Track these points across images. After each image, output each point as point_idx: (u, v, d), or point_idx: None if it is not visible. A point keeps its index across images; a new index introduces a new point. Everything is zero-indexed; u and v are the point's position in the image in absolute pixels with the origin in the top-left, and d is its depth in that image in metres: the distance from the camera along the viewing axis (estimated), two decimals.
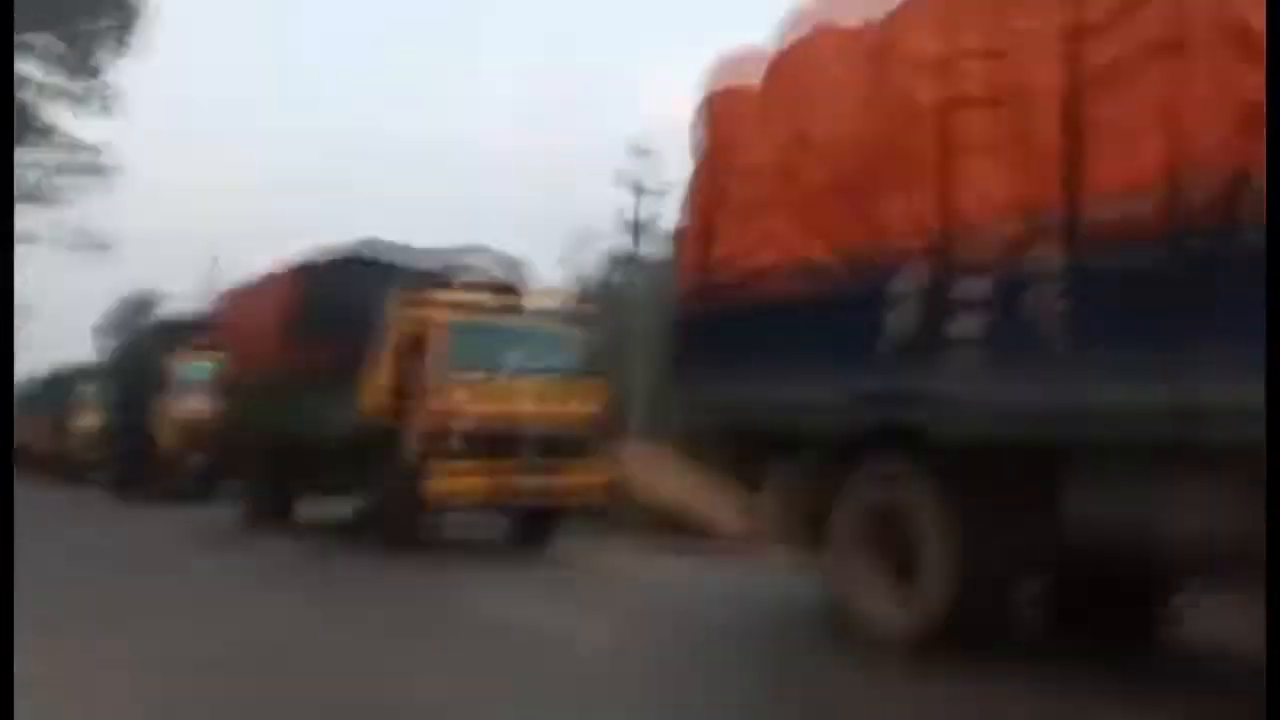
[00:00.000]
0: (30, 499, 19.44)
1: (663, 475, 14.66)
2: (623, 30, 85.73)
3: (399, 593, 9.53)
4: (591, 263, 31.62)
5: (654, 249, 27.49)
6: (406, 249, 13.93)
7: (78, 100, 27.54)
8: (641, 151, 25.19)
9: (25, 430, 32.73)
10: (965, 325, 6.12)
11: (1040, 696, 5.69)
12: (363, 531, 12.96)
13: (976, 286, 6.07)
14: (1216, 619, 6.88)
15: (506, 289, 13.41)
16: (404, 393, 11.99)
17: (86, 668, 5.91)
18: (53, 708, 4.96)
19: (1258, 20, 4.66)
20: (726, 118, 8.22)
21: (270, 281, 15.58)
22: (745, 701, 5.73)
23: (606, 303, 23.21)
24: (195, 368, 19.17)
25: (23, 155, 27.82)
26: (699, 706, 5.62)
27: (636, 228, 25.33)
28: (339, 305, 13.35)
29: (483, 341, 12.10)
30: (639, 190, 25.28)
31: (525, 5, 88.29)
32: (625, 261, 27.59)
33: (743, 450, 8.38)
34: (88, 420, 25.04)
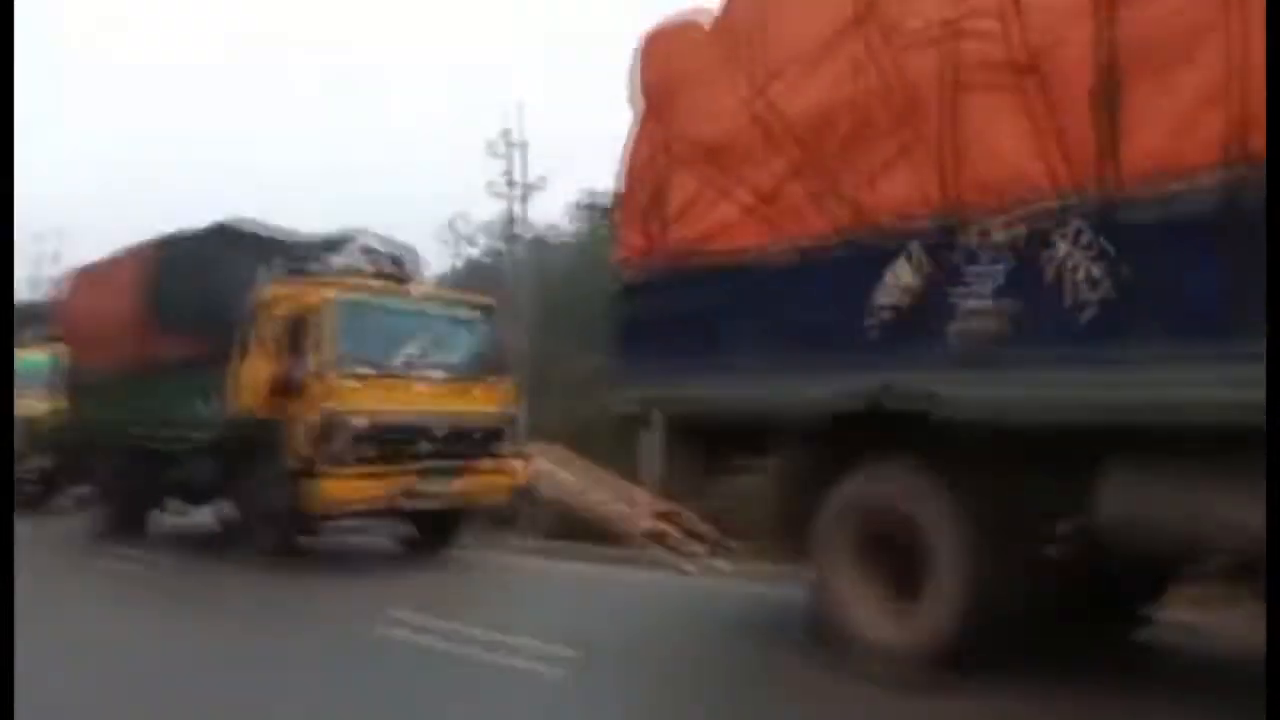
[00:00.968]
0: None
1: (567, 474, 13.77)
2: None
3: (278, 614, 8.28)
4: (472, 246, 30.44)
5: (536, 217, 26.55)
6: (278, 229, 12.51)
7: None
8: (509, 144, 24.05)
9: None
10: (976, 306, 5.40)
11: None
12: (232, 542, 11.53)
13: (989, 267, 5.37)
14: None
15: (393, 278, 11.78)
16: (282, 386, 10.59)
17: None
18: None
19: None
20: (674, 64, 7.24)
21: (122, 261, 13.83)
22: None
23: (492, 285, 22.08)
24: (34, 360, 17.15)
25: None
26: None
27: (520, 195, 24.12)
28: (202, 287, 11.77)
29: (377, 328, 10.79)
30: (510, 149, 24.07)
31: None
32: (508, 233, 26.36)
33: (706, 444, 7.47)
34: None
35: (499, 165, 24.28)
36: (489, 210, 28.31)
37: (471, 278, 27.36)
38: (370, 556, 11.83)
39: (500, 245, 27.90)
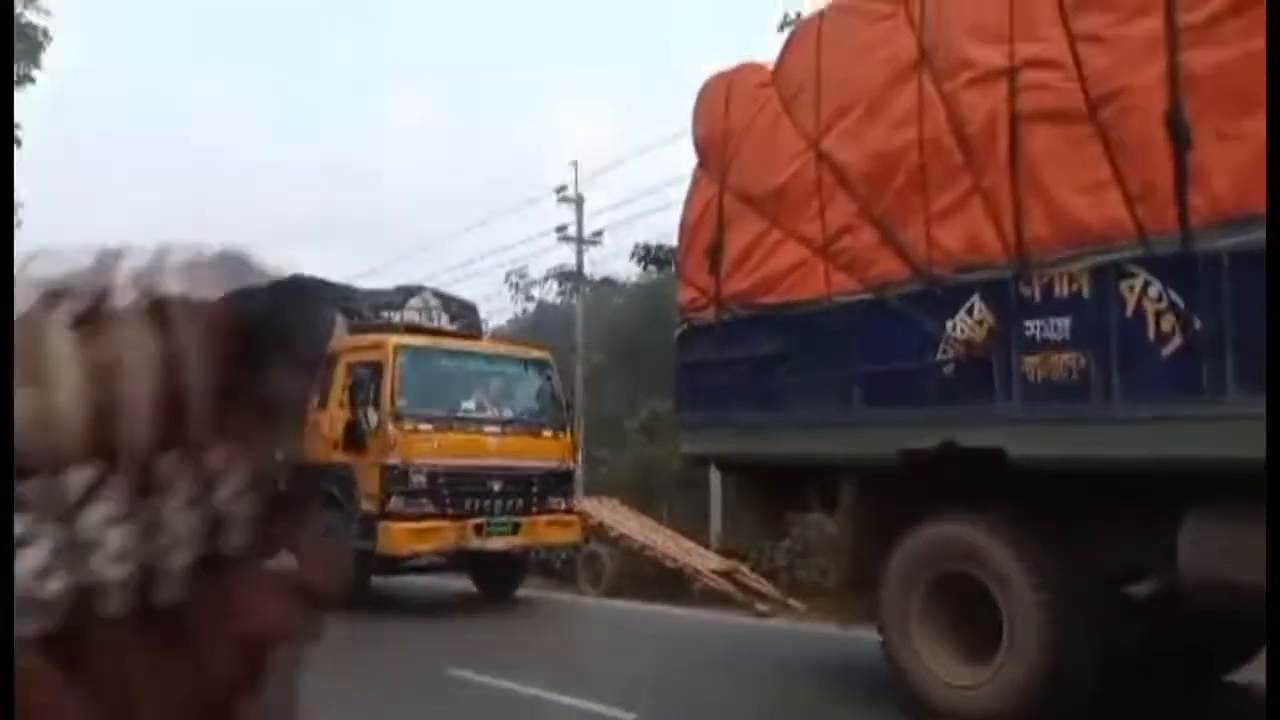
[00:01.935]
0: None
1: (627, 524, 13.69)
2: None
3: (345, 658, 8.31)
4: (530, 300, 30.69)
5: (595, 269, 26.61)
6: (341, 287, 12.76)
7: None
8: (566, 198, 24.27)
9: None
10: (1041, 355, 5.28)
11: None
12: None
13: (1054, 316, 5.28)
14: None
15: (457, 333, 12.04)
16: (350, 435, 10.73)
17: None
18: None
19: None
20: (731, 114, 7.30)
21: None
22: None
23: (557, 333, 22.20)
24: None
25: None
26: None
27: (579, 247, 24.27)
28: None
29: (440, 379, 11.01)
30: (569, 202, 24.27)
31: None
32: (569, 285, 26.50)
33: (771, 492, 7.43)
34: None
35: (562, 214, 24.56)
36: (555, 258, 28.63)
37: (539, 324, 27.58)
38: (435, 603, 11.88)
39: (564, 292, 28.12)
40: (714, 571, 12.18)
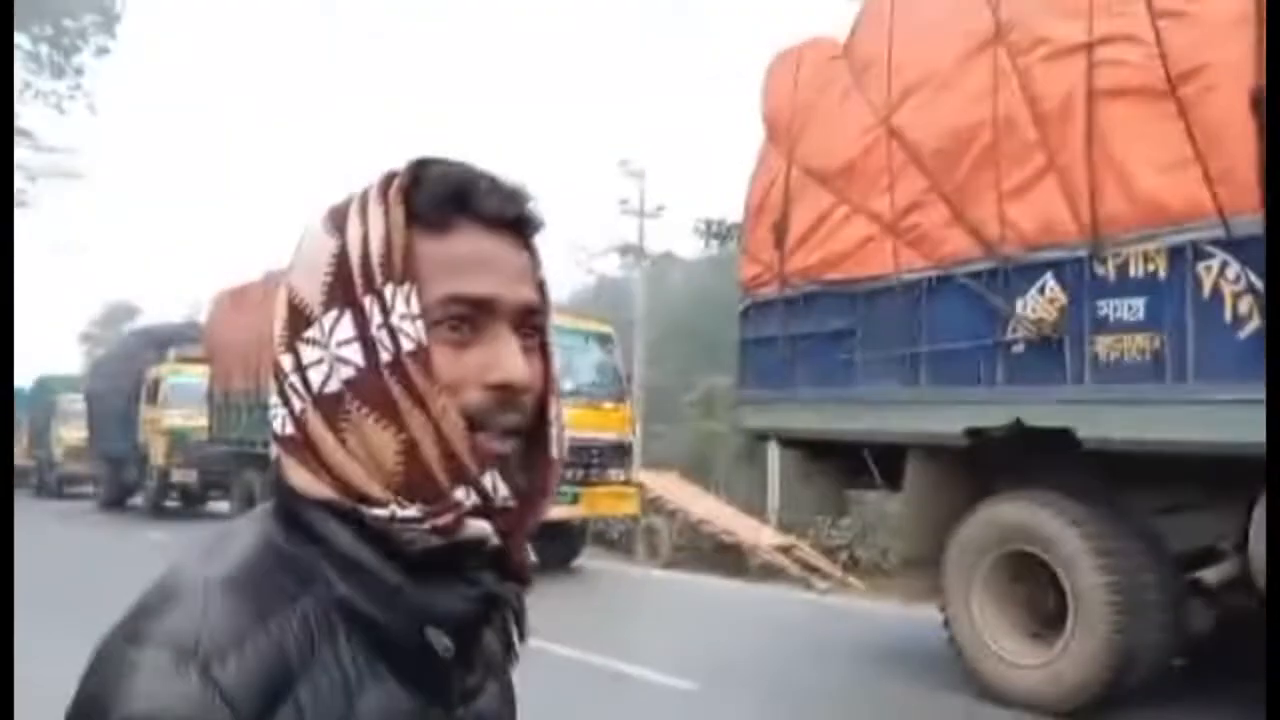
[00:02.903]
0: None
1: (685, 497, 13.77)
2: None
3: None
4: (590, 272, 30.76)
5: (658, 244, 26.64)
6: None
7: (61, 102, 26.54)
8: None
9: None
10: (1114, 337, 5.22)
11: None
12: None
13: (1128, 297, 5.22)
14: None
15: None
16: None
17: None
18: None
19: None
20: (800, 89, 7.26)
21: (265, 285, 14.53)
22: None
23: (620, 306, 22.28)
24: (184, 378, 18.13)
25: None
26: None
27: (640, 220, 24.23)
28: None
29: None
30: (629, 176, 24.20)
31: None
32: (633, 254, 26.52)
33: (833, 470, 7.44)
34: (71, 432, 23.96)
35: (626, 187, 24.55)
36: (617, 233, 28.68)
37: (600, 296, 27.68)
38: None
39: (625, 266, 28.13)
40: (772, 547, 12.22)
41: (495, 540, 0.75)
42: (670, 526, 13.26)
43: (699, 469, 17.38)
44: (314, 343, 0.74)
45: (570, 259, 29.91)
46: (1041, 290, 5.63)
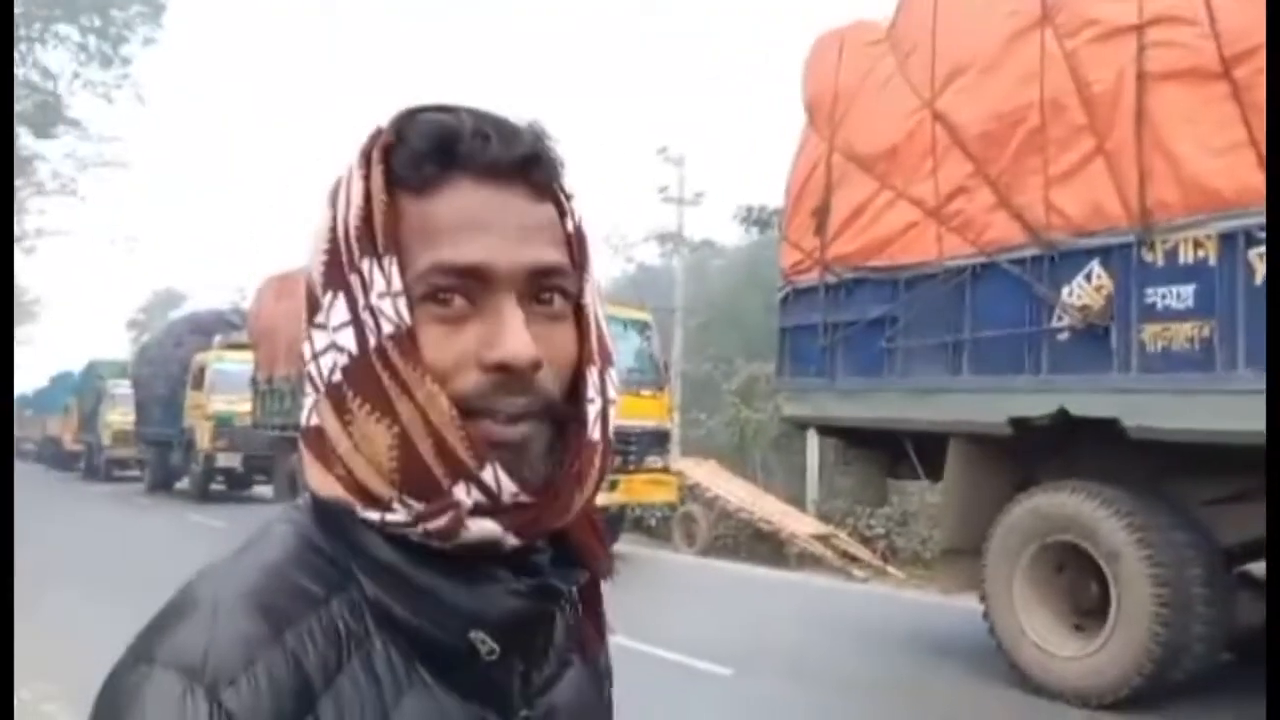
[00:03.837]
0: (42, 497, 18.81)
1: (723, 485, 13.74)
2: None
3: None
4: (629, 261, 30.76)
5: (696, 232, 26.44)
6: None
7: (109, 92, 26.94)
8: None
9: (55, 426, 32.42)
10: (1171, 316, 5.15)
11: None
12: None
13: (1176, 285, 5.13)
14: None
15: None
16: None
17: None
18: None
19: None
20: (843, 73, 7.18)
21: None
22: None
23: (658, 293, 22.22)
24: (229, 364, 18.39)
25: (56, 148, 27.44)
26: None
27: (679, 206, 24.10)
28: None
29: None
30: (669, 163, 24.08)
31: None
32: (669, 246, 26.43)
33: (872, 452, 7.41)
34: (119, 416, 24.40)
35: (665, 174, 24.48)
36: (656, 220, 28.65)
37: (639, 284, 27.69)
38: None
39: (664, 254, 28.10)
40: (810, 535, 12.18)
41: (512, 541, 0.66)
42: (708, 514, 13.25)
43: (737, 457, 17.34)
44: (321, 327, 0.68)
45: (609, 247, 29.94)
46: (1088, 277, 5.54)
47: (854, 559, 11.74)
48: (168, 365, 21.07)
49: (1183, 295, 5.12)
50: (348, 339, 0.66)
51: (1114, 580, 5.45)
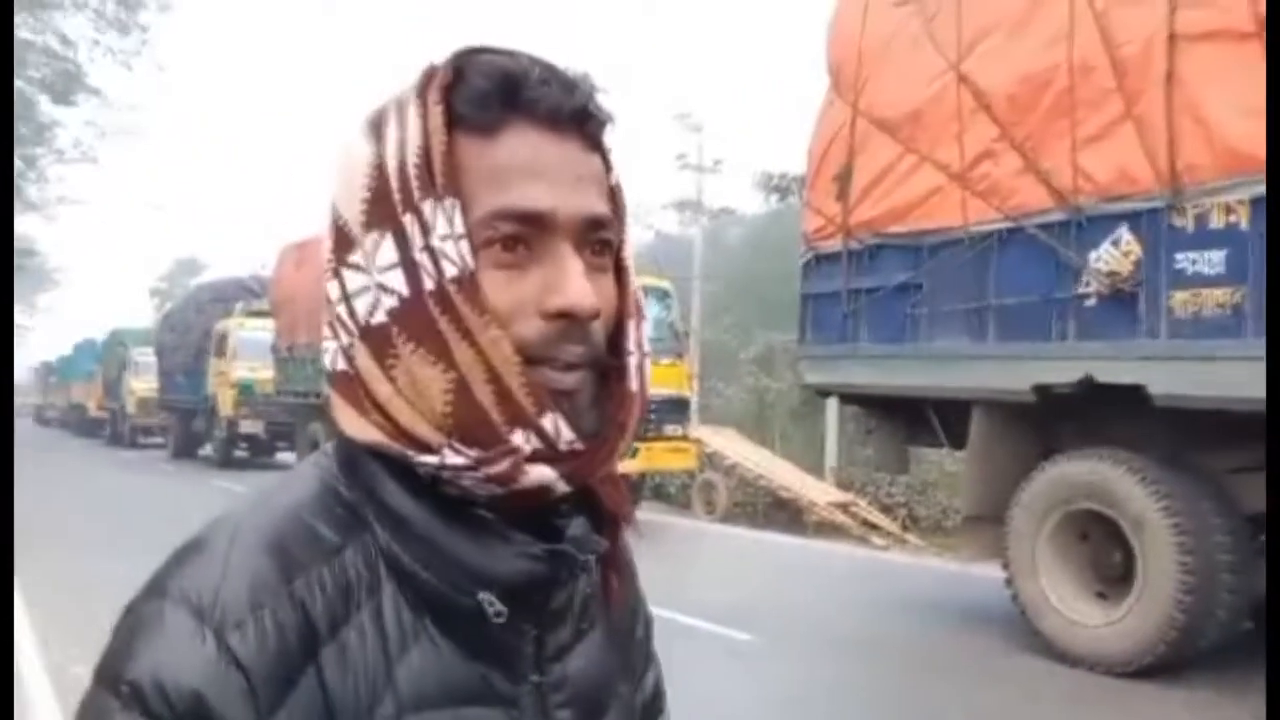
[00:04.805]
0: (68, 463, 19.02)
1: (743, 452, 13.73)
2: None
3: None
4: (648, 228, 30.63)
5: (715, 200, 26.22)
6: None
7: (129, 59, 26.89)
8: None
9: (80, 392, 32.77)
10: (1201, 282, 5.08)
11: None
12: None
13: (1206, 250, 5.05)
14: None
15: None
16: None
17: None
18: None
19: None
20: (867, 35, 7.06)
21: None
22: None
23: (677, 261, 22.14)
24: (251, 332, 18.48)
25: (75, 115, 27.47)
26: None
27: (698, 174, 23.88)
28: None
29: None
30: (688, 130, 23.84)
31: None
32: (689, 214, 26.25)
33: (894, 419, 7.38)
34: (142, 383, 24.62)
35: (684, 141, 24.33)
36: (675, 188, 28.50)
37: (658, 252, 27.62)
38: None
39: (683, 222, 27.97)
40: (830, 504, 12.17)
41: (563, 487, 0.66)
42: (727, 482, 13.26)
43: (756, 425, 17.32)
44: (358, 268, 0.66)
45: (628, 215, 29.76)
46: (1115, 242, 5.46)
47: (874, 527, 11.74)
48: (190, 333, 21.21)
49: (1213, 261, 5.04)
50: (396, 281, 0.65)
51: (1139, 548, 5.42)
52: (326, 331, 0.69)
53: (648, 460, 11.27)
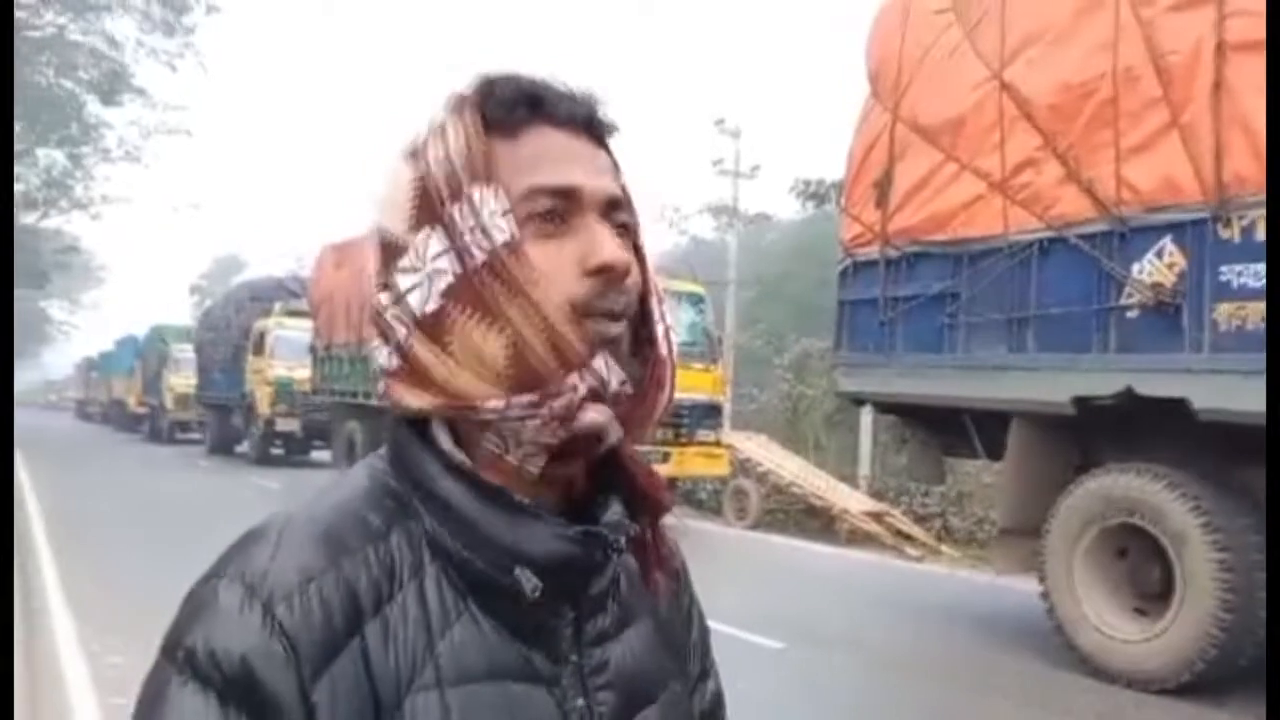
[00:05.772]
0: (105, 461, 19.28)
1: (775, 459, 13.67)
2: None
3: None
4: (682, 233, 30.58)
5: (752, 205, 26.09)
6: None
7: (173, 60, 27.27)
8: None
9: (120, 388, 33.25)
10: (1246, 295, 5.01)
11: None
12: None
13: (1251, 264, 4.96)
14: None
15: None
16: None
17: None
18: None
19: None
20: (907, 43, 7.02)
21: (367, 240, 14.73)
22: None
23: (713, 266, 22.08)
24: (289, 330, 18.67)
25: (122, 116, 27.90)
26: None
27: (734, 179, 23.80)
28: None
29: None
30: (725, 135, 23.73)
31: None
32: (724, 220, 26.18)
33: (930, 429, 7.33)
34: (181, 380, 24.94)
35: (721, 146, 24.25)
36: (711, 193, 28.38)
37: (693, 257, 27.58)
38: None
39: (718, 227, 27.89)
40: (863, 513, 12.09)
41: (615, 431, 0.72)
42: (759, 488, 13.20)
43: (790, 432, 17.24)
44: (409, 270, 0.73)
45: (663, 219, 29.78)
46: (1159, 254, 5.39)
47: (908, 537, 11.64)
48: (228, 331, 21.46)
49: (1259, 273, 4.96)
50: (446, 263, 0.72)
51: (1179, 564, 5.34)
52: (377, 340, 0.75)
53: (680, 465, 11.25)
